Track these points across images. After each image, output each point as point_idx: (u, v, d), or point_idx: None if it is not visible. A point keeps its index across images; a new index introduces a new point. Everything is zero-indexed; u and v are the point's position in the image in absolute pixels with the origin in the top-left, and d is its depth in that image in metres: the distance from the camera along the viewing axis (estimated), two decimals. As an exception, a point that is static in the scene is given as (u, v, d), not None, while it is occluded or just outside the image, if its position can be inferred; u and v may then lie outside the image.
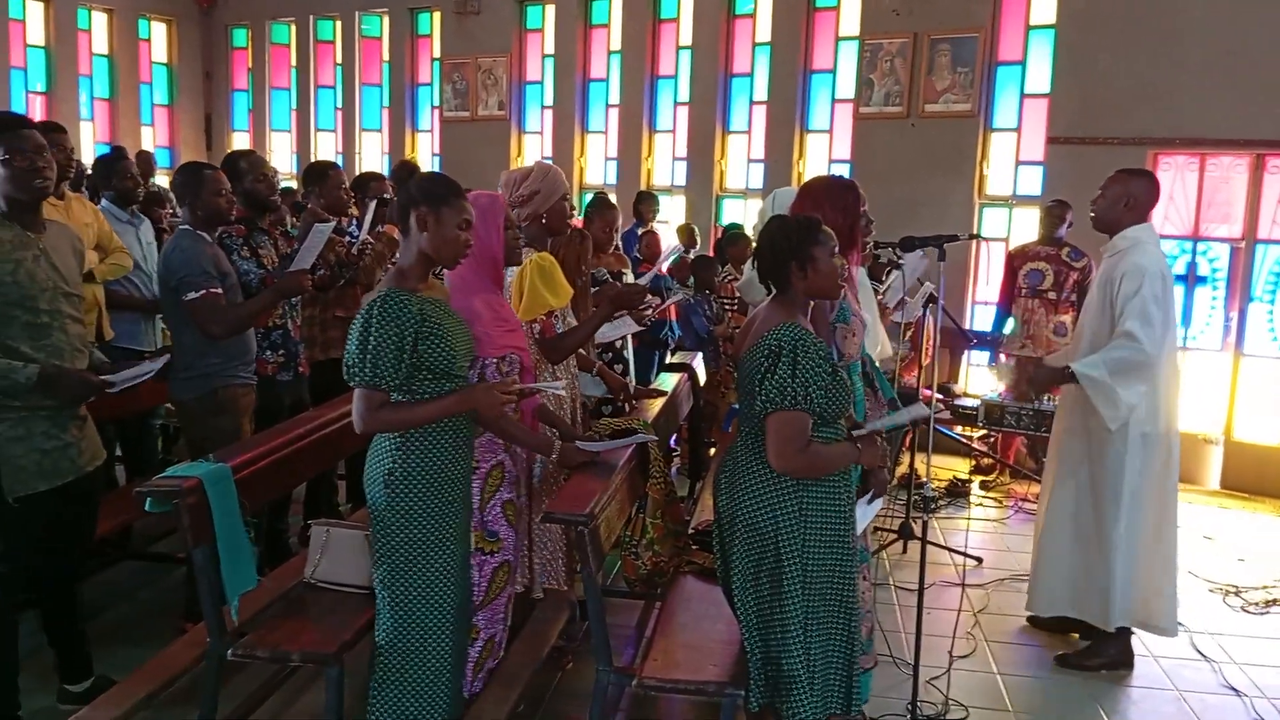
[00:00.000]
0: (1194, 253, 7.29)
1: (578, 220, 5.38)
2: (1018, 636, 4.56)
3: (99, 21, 11.49)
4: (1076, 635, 4.46)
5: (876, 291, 5.25)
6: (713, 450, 6.10)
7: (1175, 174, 7.21)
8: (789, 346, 2.74)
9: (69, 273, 3.28)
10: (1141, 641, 4.48)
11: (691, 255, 8.21)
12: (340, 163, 11.22)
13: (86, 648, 3.63)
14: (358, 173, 10.33)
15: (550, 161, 9.74)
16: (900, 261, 5.20)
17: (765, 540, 2.80)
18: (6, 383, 3.04)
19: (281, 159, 11.98)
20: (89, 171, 6.65)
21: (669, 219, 9.42)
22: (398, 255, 3.05)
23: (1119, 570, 4.13)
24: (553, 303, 3.55)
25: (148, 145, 11.61)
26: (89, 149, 10.85)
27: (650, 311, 4.34)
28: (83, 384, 3.17)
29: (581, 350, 4.01)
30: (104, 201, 5.30)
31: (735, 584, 2.89)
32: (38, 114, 10.65)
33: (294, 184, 8.34)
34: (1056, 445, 4.43)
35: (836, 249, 2.87)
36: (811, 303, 2.95)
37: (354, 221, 5.32)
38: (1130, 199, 4.12)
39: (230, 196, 4.04)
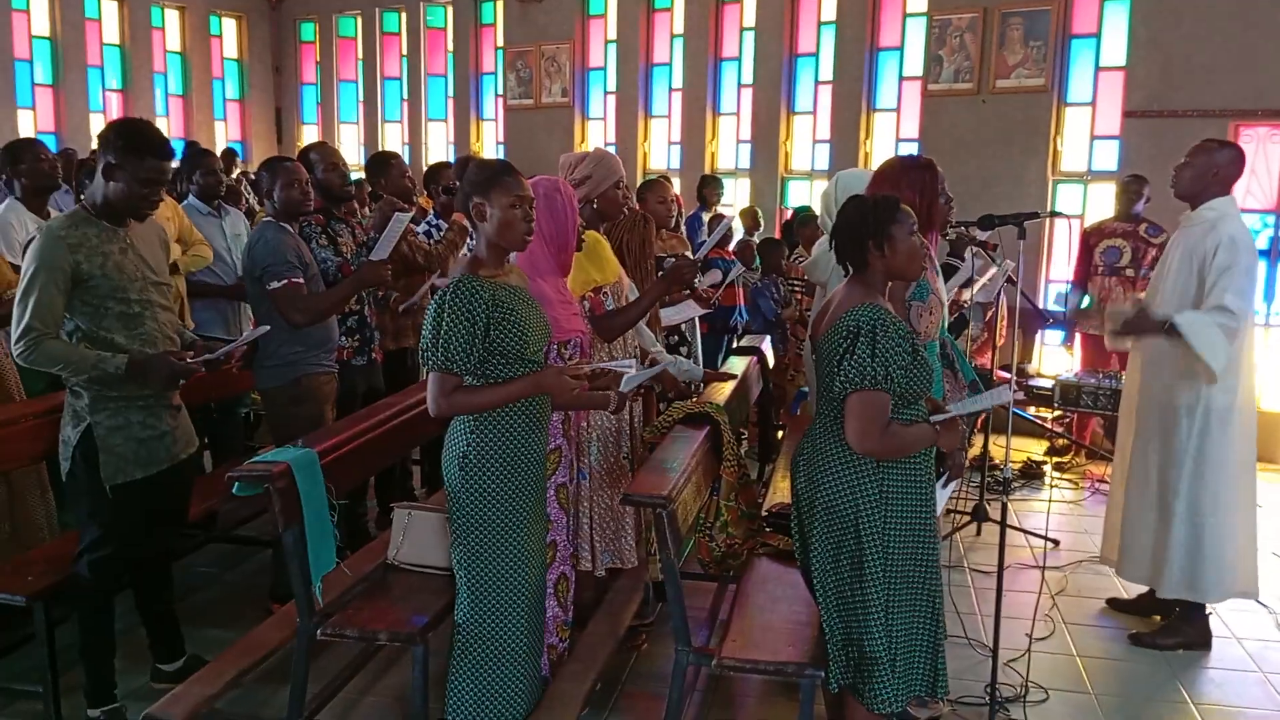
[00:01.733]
0: (1277, 226, 7.08)
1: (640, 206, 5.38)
2: (1097, 619, 4.49)
3: (172, 19, 11.76)
4: (1159, 618, 4.38)
5: (953, 269, 5.20)
6: (781, 434, 6.08)
7: (1257, 146, 7.00)
8: (868, 326, 2.72)
9: (156, 263, 3.37)
10: (1224, 623, 4.39)
11: (757, 238, 8.19)
12: (407, 153, 11.40)
13: (179, 627, 3.76)
14: (424, 162, 10.51)
15: (613, 147, 9.83)
16: (980, 239, 5.11)
17: (845, 522, 2.80)
18: (98, 374, 3.14)
19: (349, 150, 12.15)
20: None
21: (733, 202, 9.39)
22: (471, 241, 3.09)
23: (1206, 545, 4.05)
24: (597, 278, 3.57)
25: (220, 140, 11.87)
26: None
27: (713, 302, 4.32)
28: (173, 367, 3.24)
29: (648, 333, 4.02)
30: (190, 197, 5.45)
31: (815, 566, 2.89)
32: (114, 112, 10.95)
33: (361, 175, 8.46)
34: (1130, 420, 4.34)
35: (915, 228, 2.84)
36: (890, 282, 2.92)
37: (434, 212, 5.39)
38: (1218, 169, 4.04)
39: (305, 188, 4.12)
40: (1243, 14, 6.86)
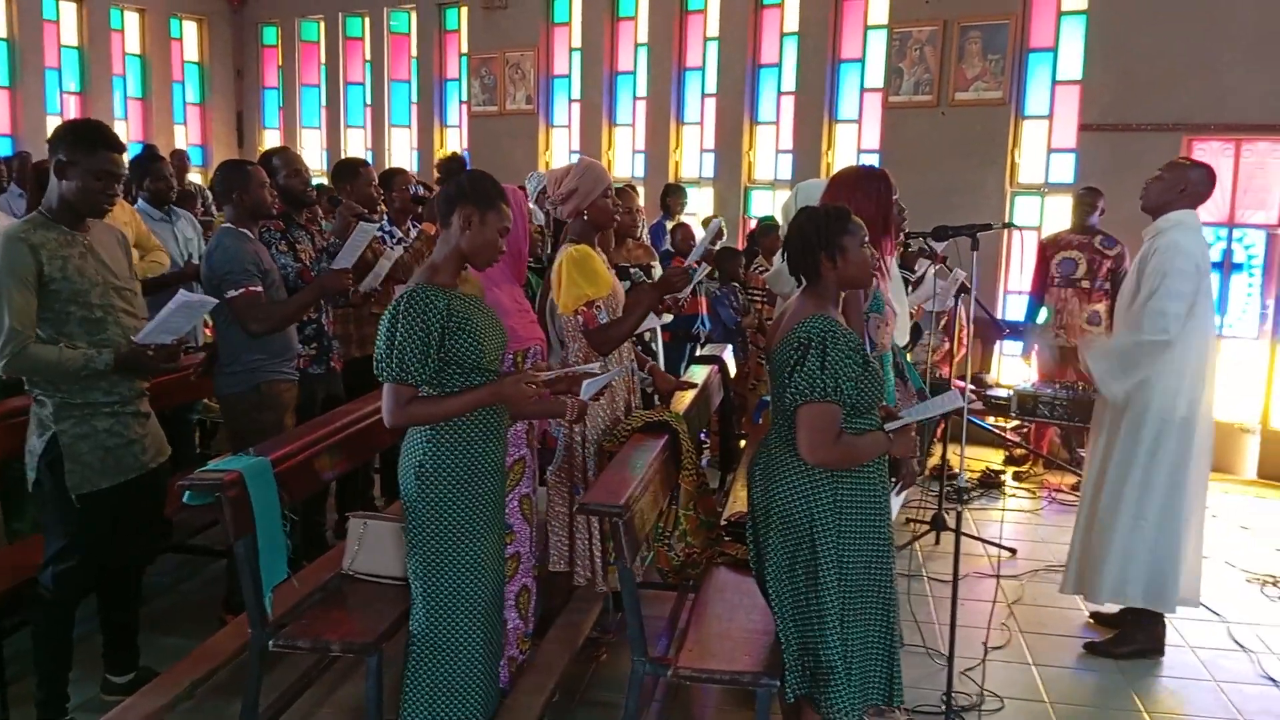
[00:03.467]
0: (1230, 239, 7.20)
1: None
2: (1052, 627, 4.53)
3: (131, 21, 11.61)
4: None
5: (907, 281, 5.24)
6: (743, 442, 6.10)
7: (1211, 159, 7.08)
8: (818, 338, 2.74)
9: (117, 266, 3.32)
10: (1178, 632, 4.46)
11: (718, 247, 8.21)
12: (370, 159, 11.31)
13: (136, 641, 3.70)
14: (387, 168, 10.44)
15: (576, 155, 9.82)
16: (934, 248, 5.16)
17: (800, 532, 2.81)
18: (88, 371, 3.11)
19: (312, 156, 12.06)
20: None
21: (697, 211, 9.41)
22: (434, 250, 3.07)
23: (1162, 553, 4.11)
24: (590, 292, 3.56)
25: (180, 144, 11.72)
26: (123, 148, 10.97)
27: (682, 305, 4.34)
28: (158, 353, 3.21)
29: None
30: (139, 202, 5.38)
31: (770, 575, 2.89)
32: (72, 114, 10.79)
33: (325, 180, 8.40)
34: (1094, 434, 4.40)
35: (867, 238, 2.87)
36: (843, 293, 2.94)
37: (385, 217, 5.36)
38: (1187, 186, 4.12)
39: (272, 190, 4.09)
40: (1196, 30, 6.99)
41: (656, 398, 4.33)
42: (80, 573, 3.31)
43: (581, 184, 3.66)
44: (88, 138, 3.18)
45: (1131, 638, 4.29)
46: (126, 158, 3.46)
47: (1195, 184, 4.13)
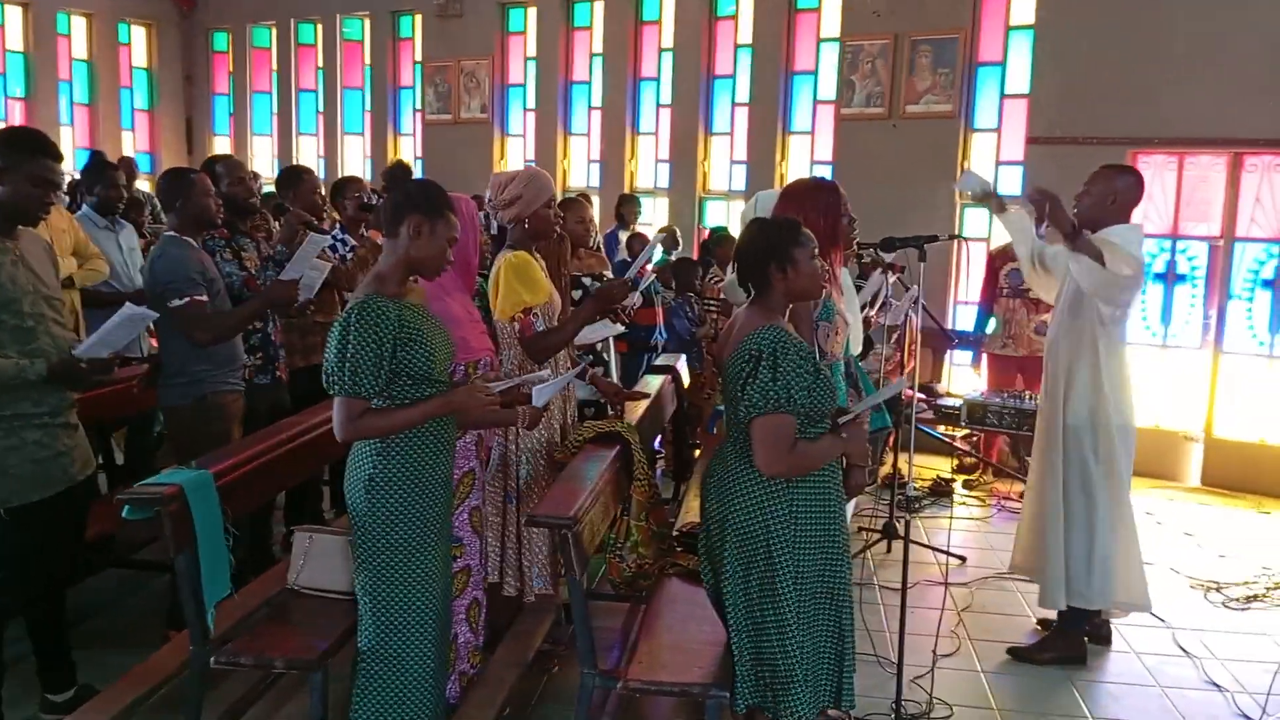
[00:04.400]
0: (1173, 251, 7.34)
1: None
2: (1001, 634, 4.57)
3: (78, 26, 11.43)
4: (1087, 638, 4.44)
5: (860, 290, 5.27)
6: (697, 452, 6.10)
7: (1154, 173, 7.26)
8: (769, 350, 2.75)
9: (47, 276, 3.28)
10: (1123, 637, 4.52)
11: (674, 257, 8.23)
12: (322, 166, 11.23)
13: (70, 657, 3.62)
14: (340, 176, 10.35)
15: (531, 164, 9.81)
16: (888, 261, 5.21)
17: (756, 542, 2.81)
18: (18, 381, 3.05)
19: (263, 163, 11.93)
20: (69, 179, 6.61)
21: (652, 221, 9.44)
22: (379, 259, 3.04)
23: (1096, 554, 4.16)
24: (528, 299, 3.56)
25: (128, 150, 11.55)
26: (69, 155, 10.80)
27: (629, 313, 4.34)
28: (92, 366, 3.18)
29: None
30: (84, 208, 5.29)
31: (725, 587, 2.89)
32: (17, 120, 10.59)
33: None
34: (1037, 440, 4.44)
35: (816, 250, 2.88)
36: (790, 304, 2.95)
37: (339, 225, 5.30)
38: (1116, 196, 4.13)
39: (217, 200, 4.04)
40: (1140, 46, 7.13)
41: (609, 407, 4.33)
42: (9, 588, 3.24)
43: (526, 192, 3.65)
44: (25, 144, 3.15)
45: (1053, 644, 4.34)
46: (69, 166, 3.42)
47: (1124, 192, 4.14)
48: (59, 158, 3.23)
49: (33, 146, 3.15)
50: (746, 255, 2.88)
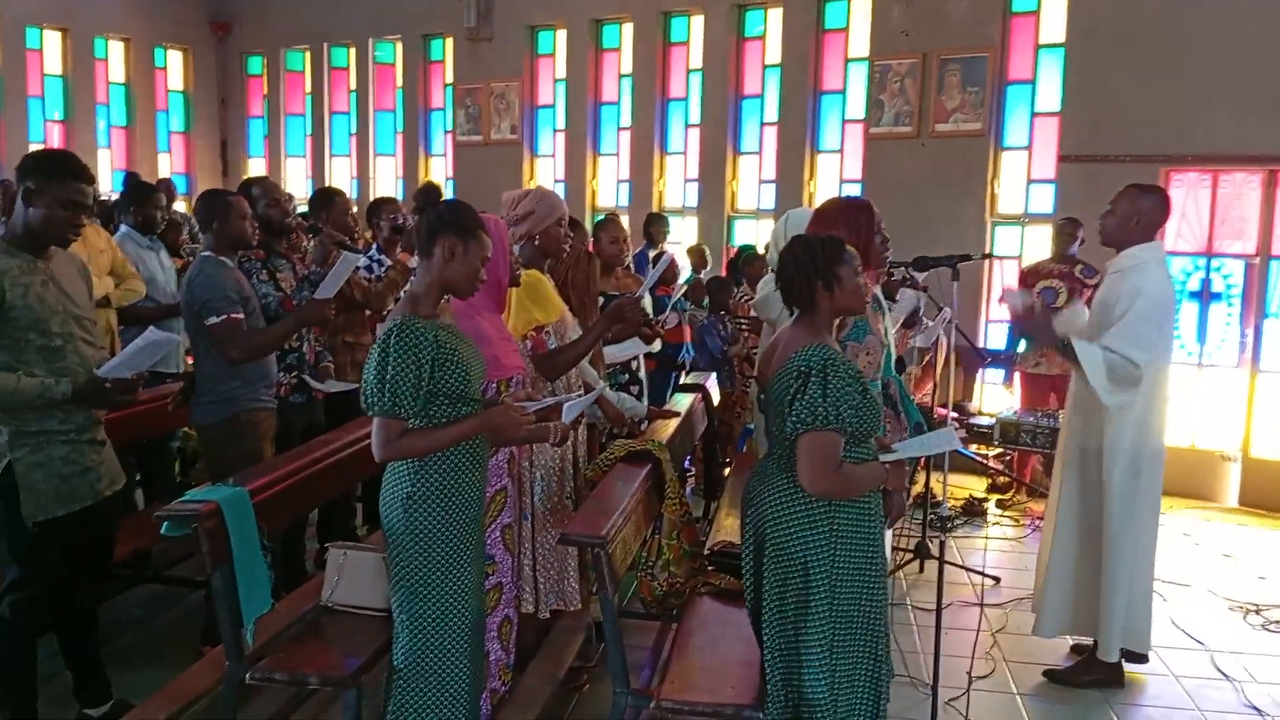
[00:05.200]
0: (1208, 269, 7.27)
1: (590, 244, 5.39)
2: (1037, 656, 4.52)
3: (116, 50, 11.62)
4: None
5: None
6: (727, 470, 6.08)
7: (1188, 191, 7.21)
8: (819, 367, 2.73)
9: (78, 296, 3.31)
10: (1161, 660, 4.45)
11: (702, 276, 8.23)
12: (355, 188, 11.33)
13: (105, 671, 3.65)
14: (372, 197, 10.44)
15: (562, 184, 9.86)
16: (916, 278, 5.19)
17: (794, 562, 2.80)
18: (43, 401, 3.09)
19: (297, 185, 12.05)
20: (106, 200, 6.72)
21: (680, 240, 9.46)
22: (412, 280, 3.06)
23: (1121, 590, 4.09)
24: (539, 317, 3.58)
25: (164, 172, 11.70)
26: (106, 177, 10.96)
27: (658, 331, 4.33)
28: (116, 386, 3.20)
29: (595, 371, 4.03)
30: (124, 227, 5.37)
31: (764, 605, 2.87)
32: (55, 142, 10.77)
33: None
34: (1060, 465, 4.39)
35: (860, 267, 2.88)
36: (836, 321, 2.95)
37: (375, 245, 5.35)
38: (1140, 216, 4.09)
39: (253, 222, 4.09)
40: (1172, 63, 7.09)
41: (642, 425, 4.32)
42: (39, 602, 3.27)
43: (538, 208, 3.68)
44: (57, 167, 3.18)
45: (1091, 668, 4.28)
46: (106, 188, 3.47)
47: (1148, 212, 4.11)
48: (90, 180, 3.26)
49: (63, 170, 3.18)
50: (791, 273, 2.87)
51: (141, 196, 5.50)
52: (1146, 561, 4.15)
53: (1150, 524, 4.16)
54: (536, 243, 3.70)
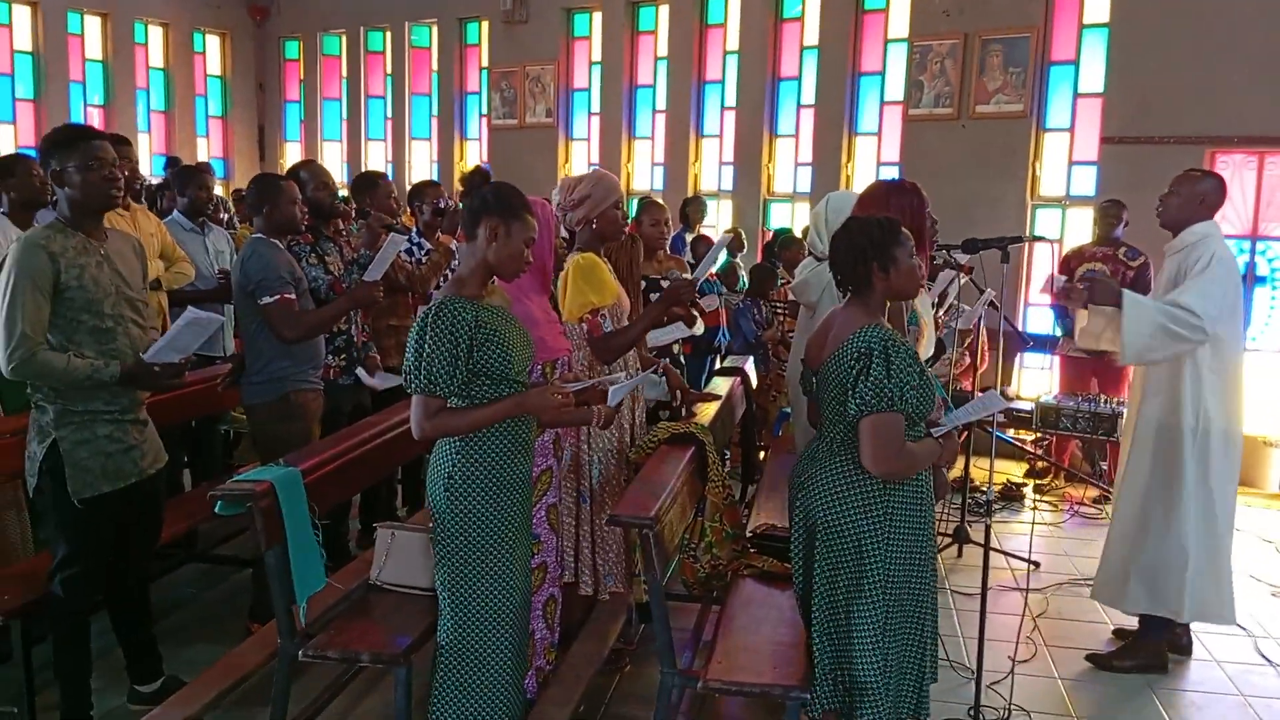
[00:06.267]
0: (1253, 252, 7.17)
1: (631, 226, 5.39)
2: (1078, 641, 4.50)
3: (155, 35, 11.73)
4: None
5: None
6: (764, 454, 6.09)
7: (1233, 172, 7.10)
8: (880, 347, 2.71)
9: (132, 277, 3.35)
10: (1204, 645, 4.43)
11: (738, 259, 8.22)
12: (390, 171, 11.39)
13: (157, 648, 3.72)
14: (408, 181, 10.50)
15: (595, 167, 9.85)
16: (960, 262, 5.15)
17: (847, 544, 2.80)
18: (92, 383, 3.14)
19: (333, 168, 12.08)
20: (149, 184, 6.78)
21: (716, 223, 9.44)
22: (455, 263, 3.08)
23: (1192, 565, 4.06)
24: (595, 300, 3.58)
25: (202, 156, 11.83)
26: (146, 161, 11.09)
27: (704, 314, 4.33)
28: (164, 369, 3.25)
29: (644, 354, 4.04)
30: (175, 212, 5.44)
31: (815, 588, 2.88)
32: (97, 126, 10.90)
33: (344, 193, 8.48)
34: (1128, 444, 4.35)
35: (914, 249, 2.86)
36: (888, 304, 2.93)
37: (415, 229, 5.38)
38: (1204, 198, 4.11)
39: (302, 206, 4.14)
40: (1217, 44, 6.97)
41: (683, 408, 4.33)
42: (86, 579, 3.33)
43: (595, 192, 3.68)
44: (65, 137, 3.23)
45: (1135, 652, 4.26)
46: (147, 171, 3.51)
47: (1209, 194, 4.14)
48: (101, 136, 3.29)
49: (71, 137, 3.22)
50: (846, 255, 2.84)
51: (191, 179, 5.56)
52: (1229, 534, 4.13)
53: (1232, 498, 4.16)
54: (594, 226, 3.70)
